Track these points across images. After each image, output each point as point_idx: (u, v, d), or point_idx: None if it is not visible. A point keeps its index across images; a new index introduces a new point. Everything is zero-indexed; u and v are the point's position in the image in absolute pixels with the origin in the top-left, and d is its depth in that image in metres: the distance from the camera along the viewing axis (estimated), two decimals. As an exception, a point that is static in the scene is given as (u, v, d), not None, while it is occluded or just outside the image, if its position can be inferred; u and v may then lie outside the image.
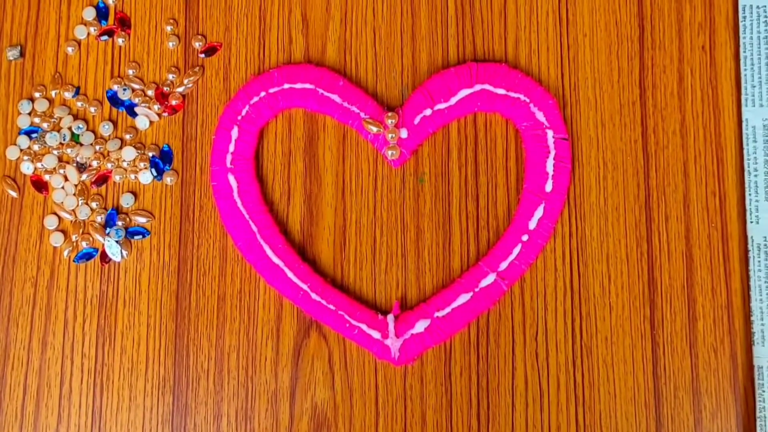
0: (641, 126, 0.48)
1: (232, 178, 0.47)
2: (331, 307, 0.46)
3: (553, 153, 0.47)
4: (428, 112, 0.47)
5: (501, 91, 0.47)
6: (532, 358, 0.46)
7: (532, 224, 0.46)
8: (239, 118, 0.48)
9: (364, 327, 0.46)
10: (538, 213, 0.46)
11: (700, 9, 0.49)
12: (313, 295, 0.46)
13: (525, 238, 0.46)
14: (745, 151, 0.48)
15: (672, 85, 0.49)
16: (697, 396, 0.46)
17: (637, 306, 0.47)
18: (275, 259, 0.47)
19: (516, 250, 0.46)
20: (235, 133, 0.48)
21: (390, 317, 0.46)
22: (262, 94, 0.48)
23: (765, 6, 0.48)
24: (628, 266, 0.47)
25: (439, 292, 0.46)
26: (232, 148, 0.48)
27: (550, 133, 0.47)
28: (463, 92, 0.47)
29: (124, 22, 0.50)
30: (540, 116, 0.47)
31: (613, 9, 0.49)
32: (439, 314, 0.46)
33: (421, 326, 0.46)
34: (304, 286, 0.46)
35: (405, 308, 0.47)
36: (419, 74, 0.49)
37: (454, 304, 0.46)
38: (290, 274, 0.46)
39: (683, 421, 0.46)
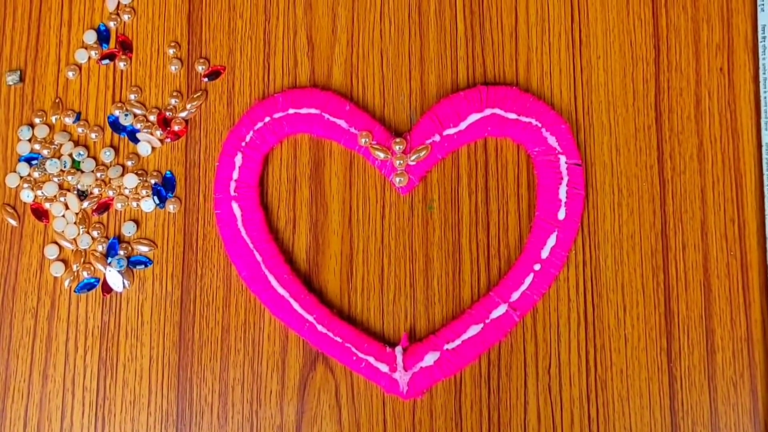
0: (657, 151, 0.47)
1: (236, 206, 0.46)
2: (338, 339, 0.45)
3: (566, 179, 0.45)
4: (437, 137, 0.46)
5: (512, 116, 0.46)
6: (544, 392, 0.45)
7: (545, 253, 0.45)
8: (243, 144, 0.47)
9: (371, 360, 0.45)
10: (551, 241, 0.45)
11: (717, 29, 0.48)
12: (320, 327, 0.45)
13: (537, 267, 0.45)
14: (765, 177, 0.46)
15: (689, 108, 0.47)
16: None
17: (653, 338, 0.45)
18: (280, 290, 0.45)
19: (528, 280, 0.45)
20: (239, 159, 0.47)
21: (398, 350, 0.45)
22: (267, 119, 0.47)
23: (785, 26, 0.47)
24: (644, 296, 0.45)
25: (449, 324, 0.45)
26: (236, 175, 0.47)
27: (562, 159, 0.46)
28: (473, 117, 0.46)
29: (125, 46, 0.48)
30: (552, 141, 0.46)
31: (627, 30, 0.48)
32: (449, 346, 0.44)
33: (430, 359, 0.44)
34: (310, 318, 0.45)
35: (414, 340, 0.46)
36: (428, 98, 0.48)
37: (465, 336, 0.45)
38: (296, 305, 0.45)
39: (701, 457, 0.44)
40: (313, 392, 0.45)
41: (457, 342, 0.44)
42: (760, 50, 0.47)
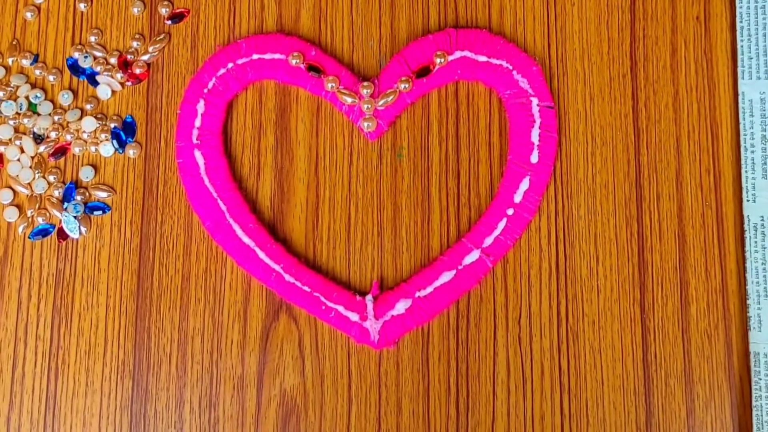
0: (632, 100, 0.46)
1: (198, 155, 0.45)
2: (306, 288, 0.43)
3: (538, 122, 0.44)
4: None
5: (482, 58, 0.45)
6: (514, 343, 0.43)
7: (518, 197, 0.44)
8: (205, 91, 0.45)
9: (341, 309, 0.43)
10: (524, 185, 0.44)
11: (694, -23, 0.47)
12: (287, 277, 0.43)
13: (510, 212, 0.44)
14: (741, 126, 0.45)
15: (665, 57, 0.46)
16: (690, 384, 0.43)
17: (626, 289, 0.44)
18: (246, 240, 0.44)
19: (501, 225, 0.44)
20: (201, 107, 0.45)
21: (369, 298, 0.43)
22: (230, 65, 0.45)
23: (763, -26, 0.46)
24: (617, 247, 0.44)
25: (421, 271, 0.44)
26: (198, 122, 0.45)
27: (534, 101, 0.44)
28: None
29: (87, -13, 0.47)
30: (524, 84, 0.44)
31: (603, -23, 0.47)
32: (421, 294, 0.43)
33: (401, 307, 0.43)
34: (277, 267, 0.43)
35: (383, 290, 0.44)
36: (398, 44, 0.46)
37: (437, 283, 0.43)
38: (262, 255, 0.44)
39: (675, 411, 0.43)
40: (275, 343, 0.44)
41: (429, 289, 0.43)
42: (737, -2, 0.46)
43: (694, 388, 0.43)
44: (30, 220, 0.44)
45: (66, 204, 0.44)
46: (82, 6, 0.46)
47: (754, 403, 0.43)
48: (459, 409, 0.43)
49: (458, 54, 0.44)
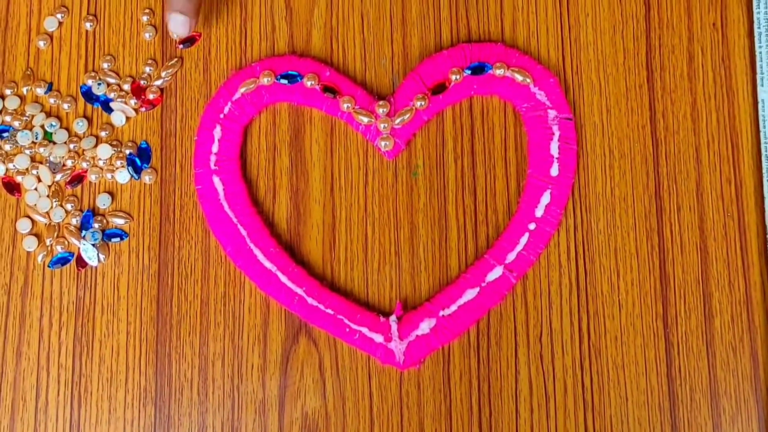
0: (649, 110, 0.45)
1: (217, 181, 0.45)
2: (329, 311, 0.43)
3: (557, 134, 0.44)
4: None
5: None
6: (536, 361, 0.43)
7: (539, 212, 0.43)
8: (221, 116, 0.45)
9: (365, 331, 0.43)
10: (545, 199, 0.43)
11: (710, -17, 0.46)
12: (310, 300, 0.43)
13: (532, 226, 0.43)
14: (761, 134, 0.44)
15: (681, 66, 0.46)
16: (716, 398, 0.43)
17: (648, 303, 0.43)
18: (267, 264, 0.44)
19: (523, 240, 0.43)
20: (218, 132, 0.45)
21: (393, 319, 0.43)
22: (245, 89, 0.45)
23: (780, -22, 0.45)
24: (638, 260, 0.44)
25: (444, 289, 0.43)
26: (215, 148, 0.45)
27: (552, 114, 0.44)
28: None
29: (98, 14, 0.47)
30: (541, 96, 0.44)
31: (616, -14, 0.46)
32: (445, 313, 0.43)
33: (426, 326, 0.43)
34: (300, 291, 0.43)
35: (404, 309, 0.44)
36: (410, 61, 0.46)
37: (461, 301, 0.43)
38: (284, 279, 0.44)
39: (701, 426, 0.42)
40: (296, 366, 0.43)
41: (453, 308, 0.43)
42: (754, 4, 0.45)
43: (720, 402, 0.42)
44: (49, 248, 0.45)
45: (84, 232, 0.45)
46: (87, 25, 0.47)
47: (781, 417, 0.42)
48: (482, 428, 0.43)
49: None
